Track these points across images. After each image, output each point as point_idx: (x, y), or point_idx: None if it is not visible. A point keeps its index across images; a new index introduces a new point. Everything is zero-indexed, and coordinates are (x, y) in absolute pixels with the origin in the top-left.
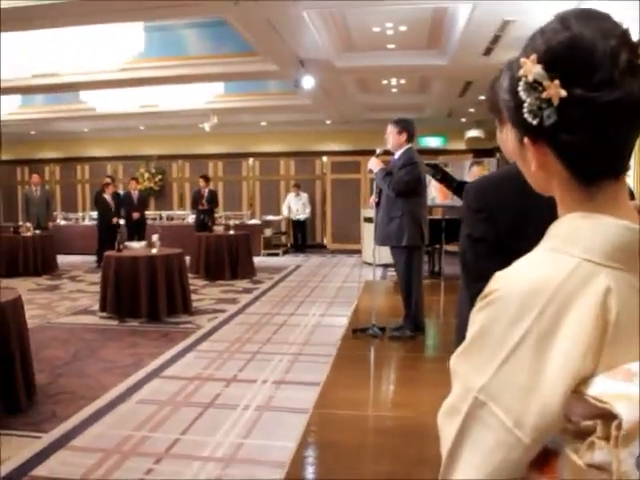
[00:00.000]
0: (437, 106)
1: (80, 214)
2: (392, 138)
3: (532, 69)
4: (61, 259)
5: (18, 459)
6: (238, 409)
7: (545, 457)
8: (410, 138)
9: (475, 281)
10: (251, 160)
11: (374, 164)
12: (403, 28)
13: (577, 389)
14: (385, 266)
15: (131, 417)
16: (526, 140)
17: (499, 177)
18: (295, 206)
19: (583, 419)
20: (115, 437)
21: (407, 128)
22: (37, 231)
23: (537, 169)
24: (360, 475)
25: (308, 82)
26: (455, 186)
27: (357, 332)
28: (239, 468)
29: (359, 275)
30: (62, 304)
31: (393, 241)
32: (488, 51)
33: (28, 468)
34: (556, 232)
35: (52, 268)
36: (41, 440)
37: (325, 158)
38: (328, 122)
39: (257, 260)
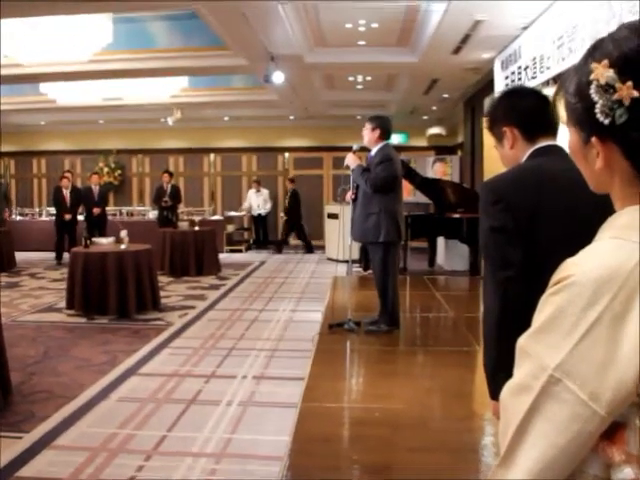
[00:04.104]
0: (401, 103)
1: (37, 209)
2: (367, 135)
3: (604, 73)
4: (18, 256)
5: (1, 461)
6: (221, 405)
7: (614, 429)
8: (384, 135)
9: (501, 269)
10: (212, 155)
11: (351, 160)
12: (375, 25)
13: None
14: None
15: (113, 415)
16: (594, 139)
17: (512, 174)
18: (256, 202)
19: None
20: (100, 435)
21: (381, 125)
22: None
23: (602, 167)
24: (358, 464)
25: (278, 77)
26: (418, 182)
27: (333, 327)
28: (232, 462)
29: (325, 271)
30: (25, 302)
31: (370, 237)
32: (457, 50)
33: (13, 469)
34: (619, 222)
35: (10, 265)
36: (22, 440)
37: (287, 154)
38: (291, 118)
39: (221, 256)
